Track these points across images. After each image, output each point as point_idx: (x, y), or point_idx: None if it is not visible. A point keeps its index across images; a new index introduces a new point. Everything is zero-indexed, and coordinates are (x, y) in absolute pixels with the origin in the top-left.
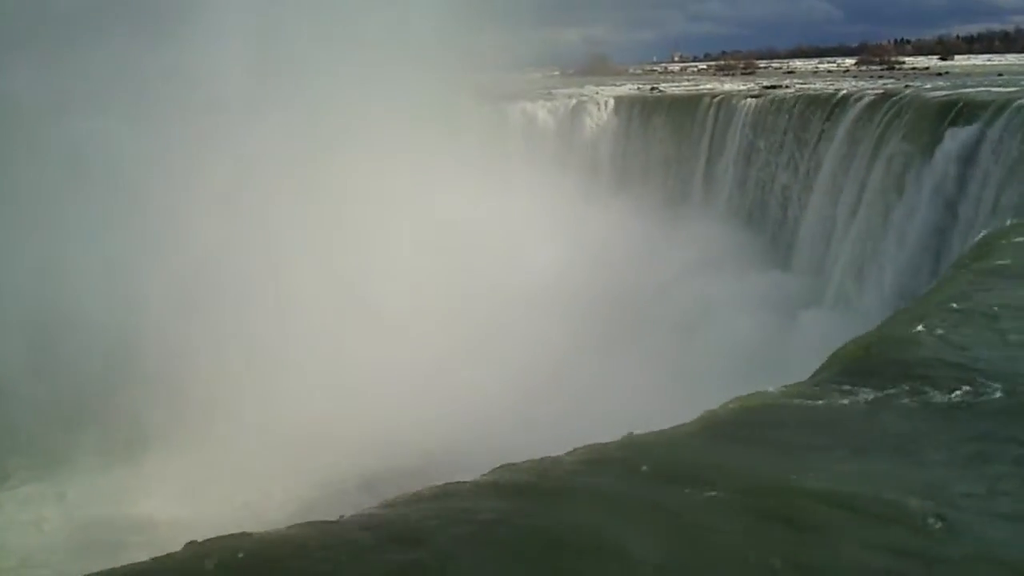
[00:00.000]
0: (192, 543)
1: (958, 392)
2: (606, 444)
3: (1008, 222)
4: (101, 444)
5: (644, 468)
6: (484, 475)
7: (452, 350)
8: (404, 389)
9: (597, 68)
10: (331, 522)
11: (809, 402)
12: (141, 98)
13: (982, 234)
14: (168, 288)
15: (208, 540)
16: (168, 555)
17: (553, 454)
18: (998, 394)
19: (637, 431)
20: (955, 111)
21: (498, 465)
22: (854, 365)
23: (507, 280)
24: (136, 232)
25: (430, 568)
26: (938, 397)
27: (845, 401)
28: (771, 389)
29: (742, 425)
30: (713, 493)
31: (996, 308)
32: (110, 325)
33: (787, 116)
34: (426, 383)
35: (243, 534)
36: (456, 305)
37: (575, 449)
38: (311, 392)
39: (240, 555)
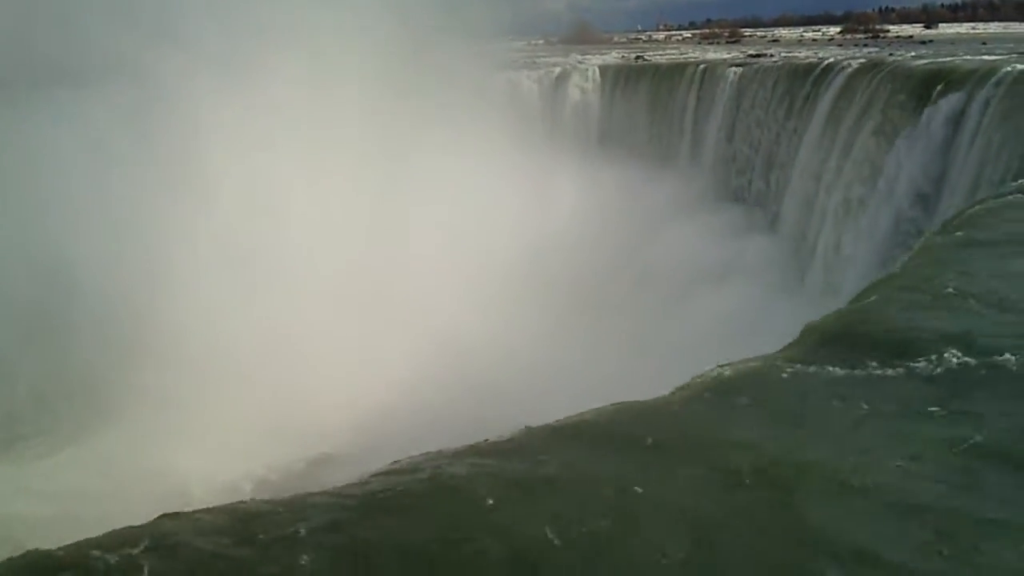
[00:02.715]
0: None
1: (931, 363)
2: (588, 413)
3: (989, 193)
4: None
5: (627, 437)
6: (465, 445)
7: (438, 319)
8: (389, 362)
9: (581, 37)
10: (314, 492)
11: (784, 372)
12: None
13: (962, 206)
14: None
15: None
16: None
17: (545, 421)
18: (972, 363)
19: (620, 400)
20: (939, 80)
21: (483, 436)
22: (829, 336)
23: (493, 250)
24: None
25: (405, 539)
26: (911, 368)
27: (818, 372)
28: (746, 360)
29: (718, 396)
30: (691, 464)
31: (972, 278)
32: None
33: (772, 85)
34: (412, 351)
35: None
36: (445, 272)
37: (564, 417)
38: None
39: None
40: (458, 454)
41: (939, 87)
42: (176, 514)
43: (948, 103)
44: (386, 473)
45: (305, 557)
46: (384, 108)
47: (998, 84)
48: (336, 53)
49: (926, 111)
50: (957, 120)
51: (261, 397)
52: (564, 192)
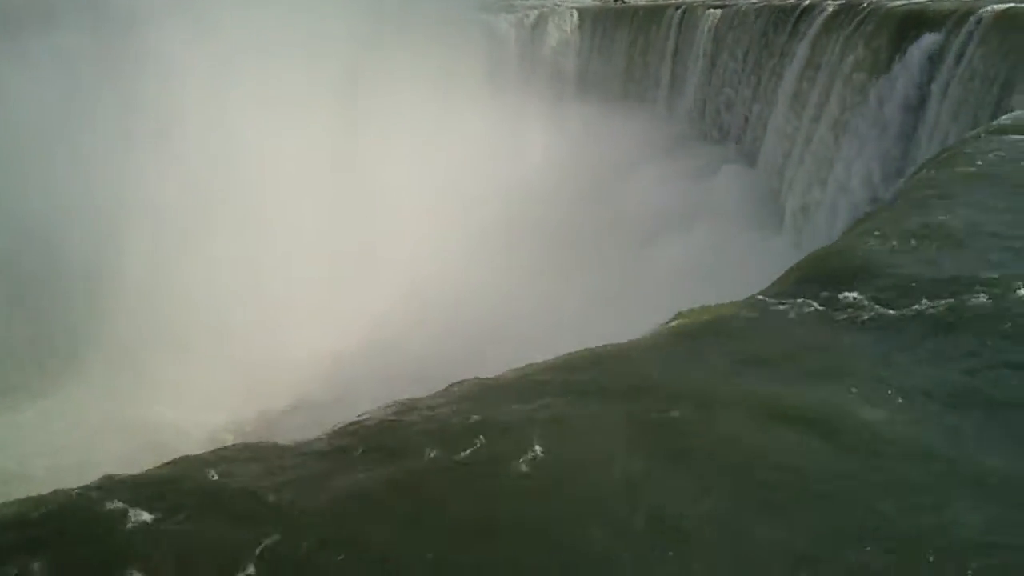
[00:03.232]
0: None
1: (910, 302)
2: (562, 357)
3: (969, 132)
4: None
5: (604, 380)
6: (437, 392)
7: (408, 266)
8: (369, 309)
9: None
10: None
11: (765, 313)
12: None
13: (943, 145)
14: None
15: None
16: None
17: (521, 363)
18: (945, 304)
19: (595, 343)
20: (918, 20)
21: (456, 380)
22: (811, 276)
23: (466, 192)
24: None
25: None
26: (891, 307)
27: (798, 312)
28: (726, 301)
29: (695, 338)
30: (671, 406)
31: (952, 217)
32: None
33: (751, 26)
34: (383, 298)
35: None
36: (416, 218)
37: (538, 362)
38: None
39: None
40: (426, 402)
41: (917, 28)
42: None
43: (926, 42)
44: (356, 423)
45: (280, 505)
46: (358, 54)
47: (977, 25)
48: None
49: (907, 50)
50: (936, 59)
51: (234, 347)
52: (540, 136)
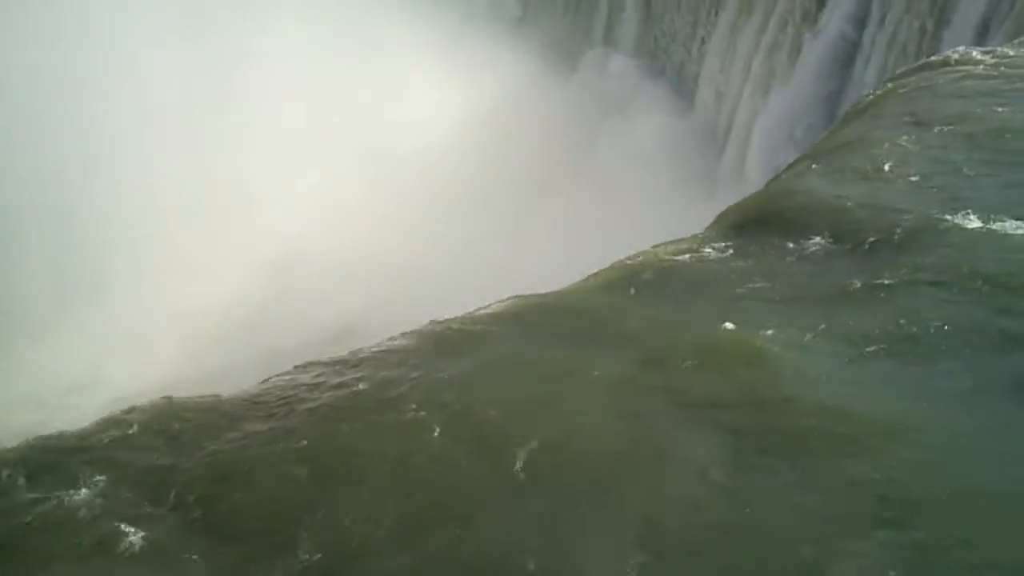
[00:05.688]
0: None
1: (836, 241)
2: (517, 299)
3: (895, 75)
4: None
5: (525, 327)
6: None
7: (357, 213)
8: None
9: None
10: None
11: (701, 255)
12: None
13: (869, 90)
14: None
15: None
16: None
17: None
18: (871, 239)
19: (543, 288)
20: None
21: (428, 322)
22: (745, 219)
23: (402, 139)
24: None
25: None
26: (816, 245)
27: (734, 252)
28: (664, 244)
29: (629, 282)
30: (598, 347)
31: (878, 158)
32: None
33: None
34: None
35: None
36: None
37: (494, 304)
38: None
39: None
40: (346, 361)
41: None
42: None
43: None
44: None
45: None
46: None
47: None
48: None
49: None
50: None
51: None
52: (479, 82)
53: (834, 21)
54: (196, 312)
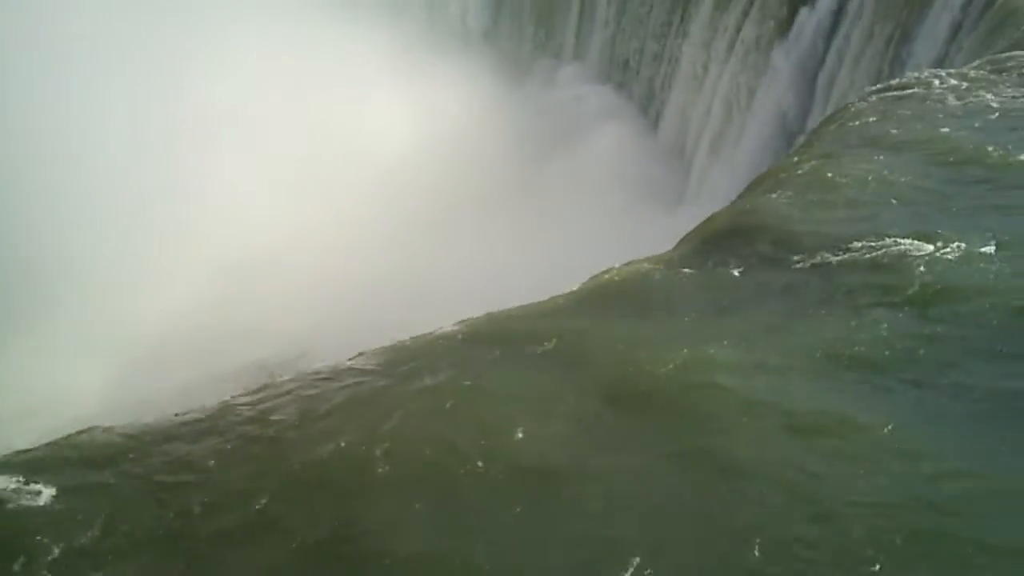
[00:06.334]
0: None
1: (799, 261)
2: (480, 318)
3: (860, 93)
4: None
5: (519, 340)
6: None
7: (313, 228)
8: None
9: None
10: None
11: (665, 275)
12: None
13: (832, 110)
14: None
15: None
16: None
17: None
18: (832, 259)
19: (511, 305)
20: None
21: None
22: (708, 239)
23: (366, 151)
24: None
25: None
26: (781, 266)
27: (698, 272)
28: (630, 263)
29: (597, 300)
30: (580, 364)
31: (840, 180)
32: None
33: None
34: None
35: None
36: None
37: (455, 323)
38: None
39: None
40: (302, 381)
41: None
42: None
43: (822, 7)
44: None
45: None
46: None
47: None
48: None
49: (800, 14)
50: (832, 21)
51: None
52: (443, 94)
53: (802, 40)
54: (146, 329)
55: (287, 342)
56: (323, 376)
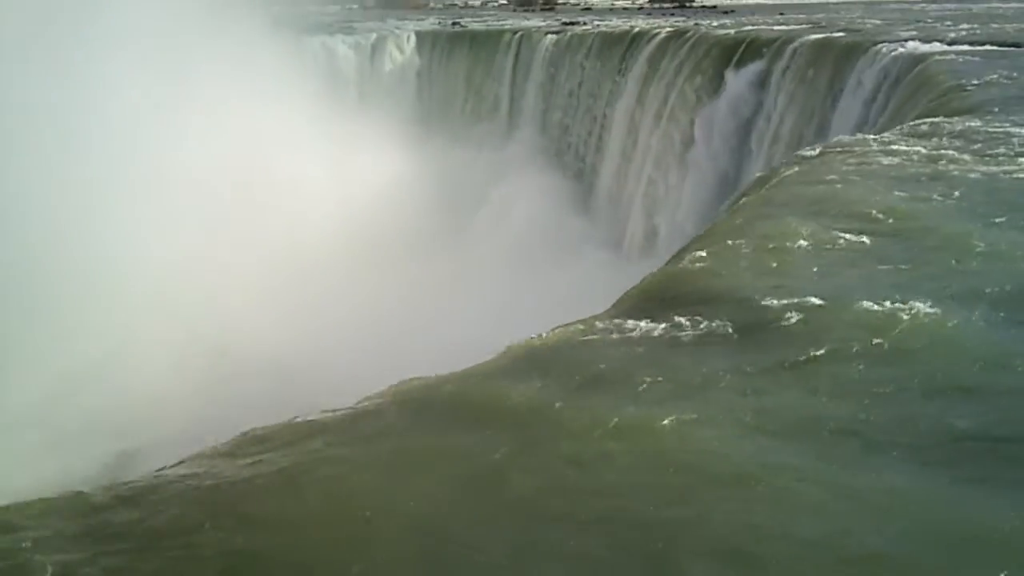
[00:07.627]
0: None
1: (734, 322)
2: (411, 382)
3: (789, 156)
4: None
5: (446, 406)
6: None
7: (255, 300)
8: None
9: (398, 1)
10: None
11: (602, 336)
12: None
13: (759, 174)
14: None
15: None
16: None
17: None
18: (768, 321)
19: (443, 370)
20: (742, 49)
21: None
22: (644, 300)
23: (307, 226)
24: None
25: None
26: (718, 327)
27: (636, 334)
28: (564, 326)
29: (540, 359)
30: (512, 430)
31: (772, 241)
32: None
33: (586, 52)
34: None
35: None
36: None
37: (387, 388)
38: None
39: None
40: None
41: (740, 54)
42: None
43: (750, 70)
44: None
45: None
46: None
47: (794, 54)
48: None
49: (729, 77)
50: (760, 85)
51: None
52: (376, 165)
53: (729, 100)
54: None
55: (187, 423)
56: (220, 452)
